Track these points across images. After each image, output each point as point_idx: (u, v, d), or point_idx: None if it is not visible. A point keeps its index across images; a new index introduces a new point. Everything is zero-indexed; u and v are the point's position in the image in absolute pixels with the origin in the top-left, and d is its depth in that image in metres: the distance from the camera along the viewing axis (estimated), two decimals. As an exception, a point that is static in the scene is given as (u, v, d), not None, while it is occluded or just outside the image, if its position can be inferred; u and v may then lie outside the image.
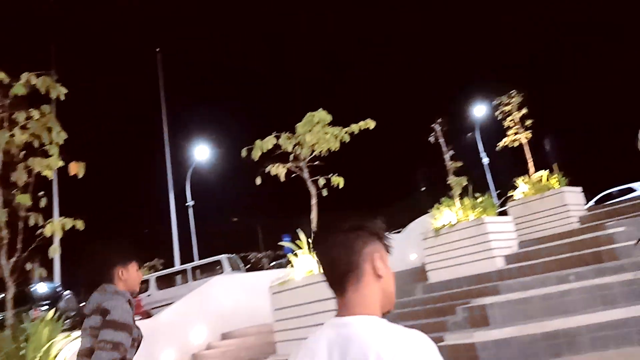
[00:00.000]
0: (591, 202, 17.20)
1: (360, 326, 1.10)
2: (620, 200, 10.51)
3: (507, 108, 10.84)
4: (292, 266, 6.13)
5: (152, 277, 17.79)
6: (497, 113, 11.07)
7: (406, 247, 11.13)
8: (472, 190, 8.43)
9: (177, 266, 18.88)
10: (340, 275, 1.17)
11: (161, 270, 19.98)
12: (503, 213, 10.57)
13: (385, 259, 1.22)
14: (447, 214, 8.33)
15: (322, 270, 1.22)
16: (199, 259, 19.80)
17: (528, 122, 10.63)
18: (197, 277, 16.87)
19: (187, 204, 20.48)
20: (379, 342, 1.04)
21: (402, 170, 39.11)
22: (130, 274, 2.48)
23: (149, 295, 16.80)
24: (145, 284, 17.55)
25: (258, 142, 6.22)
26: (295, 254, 6.08)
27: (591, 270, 5.72)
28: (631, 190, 18.26)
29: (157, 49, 22.50)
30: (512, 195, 10.36)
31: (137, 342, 2.34)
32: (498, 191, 24.72)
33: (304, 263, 5.95)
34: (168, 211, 19.74)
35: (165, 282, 17.31)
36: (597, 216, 8.82)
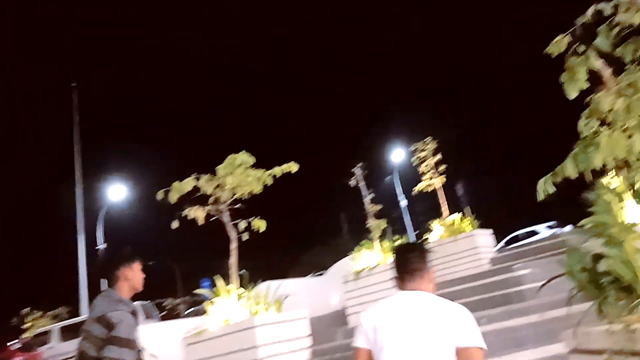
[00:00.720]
0: (501, 244, 18.22)
1: (427, 294, 2.24)
2: (525, 243, 11.18)
3: (423, 154, 11.34)
4: (208, 314, 5.84)
5: (56, 327, 16.33)
6: (413, 159, 11.53)
7: (328, 290, 11.05)
8: (392, 233, 8.64)
9: (84, 315, 17.48)
10: (413, 270, 2.30)
11: (66, 319, 18.39)
12: (420, 255, 10.84)
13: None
14: (367, 256, 8.43)
15: (397, 268, 2.37)
16: (110, 307, 18.42)
17: (442, 168, 11.15)
18: (106, 327, 15.69)
19: (97, 247, 19.22)
20: (442, 304, 2.17)
21: (324, 213, 39.43)
22: (135, 274, 2.64)
23: (50, 348, 15.34)
24: (47, 335, 16.05)
25: (176, 184, 6.00)
26: (212, 301, 5.81)
27: (502, 312, 5.95)
28: (535, 232, 19.70)
29: (74, 84, 21.49)
30: (427, 238, 10.70)
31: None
32: (416, 232, 25.57)
33: (221, 311, 5.69)
34: (76, 254, 18.39)
35: (71, 332, 15.84)
36: (506, 258, 9.28)
